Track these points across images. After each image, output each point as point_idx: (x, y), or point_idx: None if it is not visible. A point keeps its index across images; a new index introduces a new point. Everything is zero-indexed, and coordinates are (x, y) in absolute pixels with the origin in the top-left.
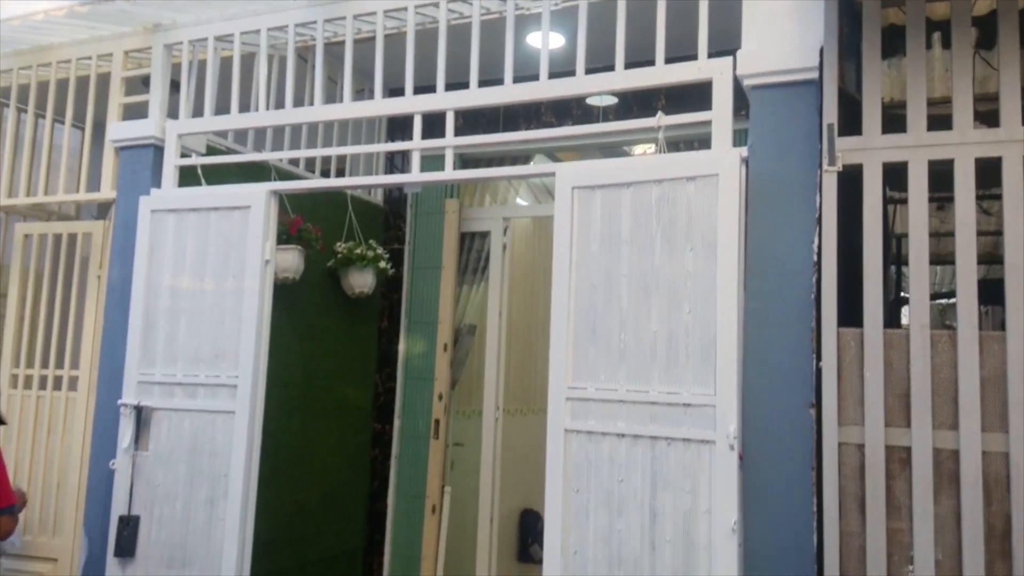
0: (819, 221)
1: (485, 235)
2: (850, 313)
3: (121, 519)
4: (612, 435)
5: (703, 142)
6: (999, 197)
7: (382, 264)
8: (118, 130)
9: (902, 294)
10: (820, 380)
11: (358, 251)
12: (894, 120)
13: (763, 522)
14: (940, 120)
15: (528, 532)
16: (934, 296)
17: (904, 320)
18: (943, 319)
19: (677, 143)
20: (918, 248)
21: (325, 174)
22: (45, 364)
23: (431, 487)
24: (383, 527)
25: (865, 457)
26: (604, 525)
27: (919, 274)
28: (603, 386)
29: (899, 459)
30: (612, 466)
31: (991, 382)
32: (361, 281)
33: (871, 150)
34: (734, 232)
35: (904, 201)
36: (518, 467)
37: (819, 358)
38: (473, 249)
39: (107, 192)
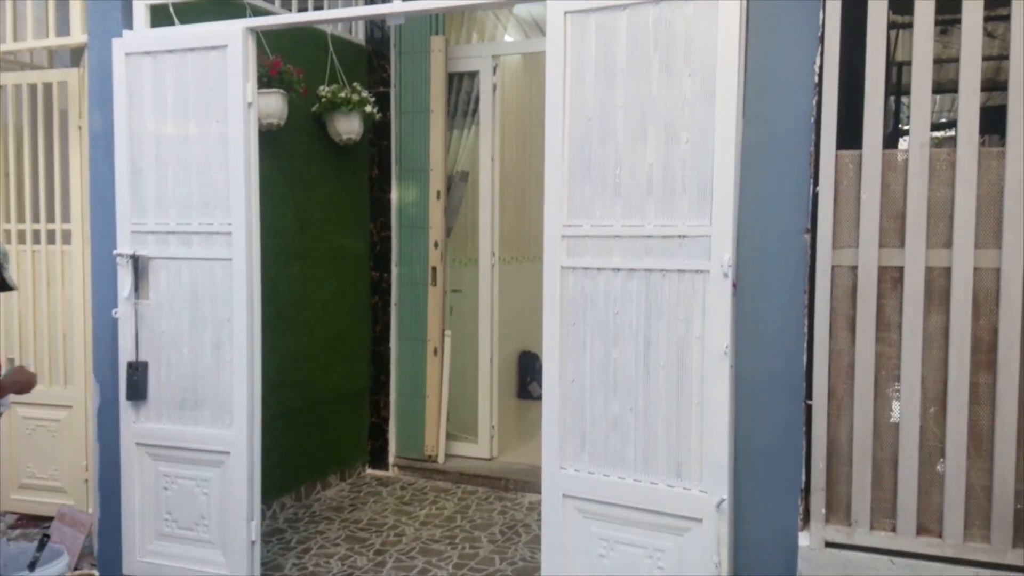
0: (821, 39)
1: (474, 75)
2: (848, 141)
3: (130, 365)
4: (608, 270)
5: None
6: (1005, 19)
7: (368, 108)
8: None
9: (900, 126)
10: (816, 205)
11: (342, 95)
12: None
13: (754, 345)
14: None
15: (526, 371)
16: (931, 127)
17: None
18: None
19: None
20: (922, 60)
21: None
22: (36, 219)
23: (432, 331)
24: (387, 369)
25: (858, 278)
26: (600, 354)
27: (921, 92)
28: (599, 223)
29: (891, 279)
30: (608, 300)
31: (987, 199)
32: (348, 127)
33: None
34: (734, 54)
35: (906, 26)
36: (515, 312)
37: (816, 183)
38: (462, 91)
39: (78, 36)
